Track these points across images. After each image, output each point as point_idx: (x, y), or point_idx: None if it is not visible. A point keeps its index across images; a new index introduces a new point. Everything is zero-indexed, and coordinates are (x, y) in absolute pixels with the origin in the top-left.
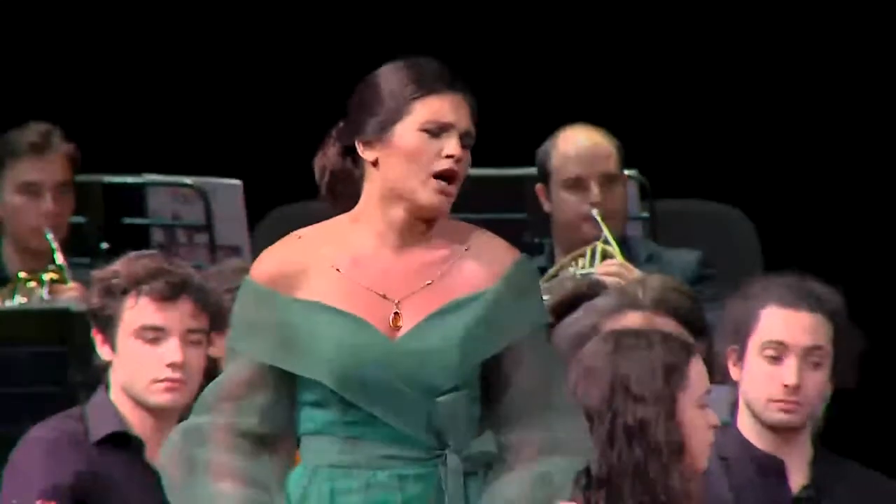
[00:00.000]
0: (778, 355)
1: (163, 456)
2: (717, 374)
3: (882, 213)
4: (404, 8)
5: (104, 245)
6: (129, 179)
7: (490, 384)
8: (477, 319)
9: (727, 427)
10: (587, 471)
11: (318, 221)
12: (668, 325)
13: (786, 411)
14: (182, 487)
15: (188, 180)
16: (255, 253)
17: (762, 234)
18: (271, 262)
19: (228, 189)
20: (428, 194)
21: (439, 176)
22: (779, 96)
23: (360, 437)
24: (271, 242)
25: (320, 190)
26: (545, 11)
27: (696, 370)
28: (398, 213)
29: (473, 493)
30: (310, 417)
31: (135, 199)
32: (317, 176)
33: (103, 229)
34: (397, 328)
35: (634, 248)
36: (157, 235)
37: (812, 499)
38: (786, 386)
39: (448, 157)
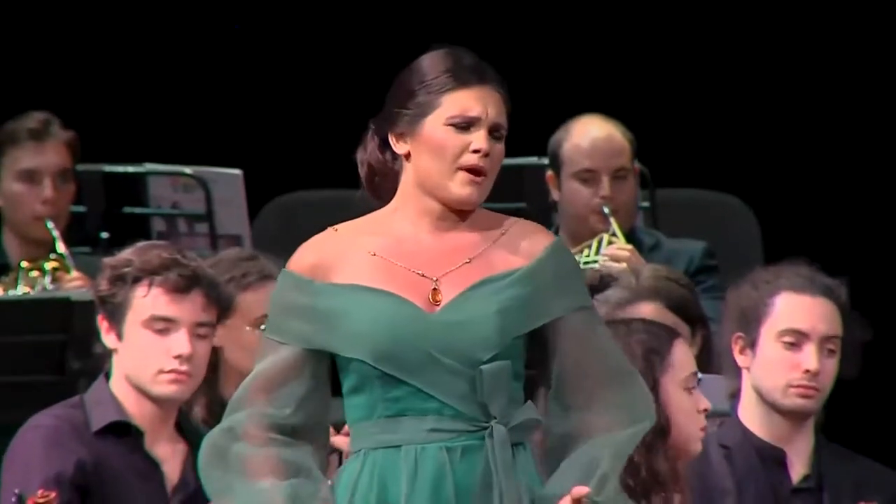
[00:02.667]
0: (796, 342)
1: (200, 460)
2: (716, 364)
3: (883, 203)
4: (403, 2)
5: (104, 234)
6: (130, 169)
7: (545, 366)
8: (514, 293)
9: (727, 416)
10: None
11: (318, 211)
12: (665, 315)
13: (805, 396)
14: (222, 490)
15: (188, 170)
16: (256, 242)
17: (763, 223)
18: (309, 252)
19: (229, 178)
20: (456, 186)
21: (467, 170)
22: (779, 87)
23: (404, 413)
24: (271, 232)
25: (362, 184)
26: (547, 2)
27: (680, 353)
28: (431, 203)
29: (521, 463)
30: (353, 405)
31: (135, 188)
32: (359, 170)
33: (103, 218)
34: (436, 303)
35: (640, 238)
36: (158, 225)
37: (812, 488)
38: (807, 371)
39: (475, 151)
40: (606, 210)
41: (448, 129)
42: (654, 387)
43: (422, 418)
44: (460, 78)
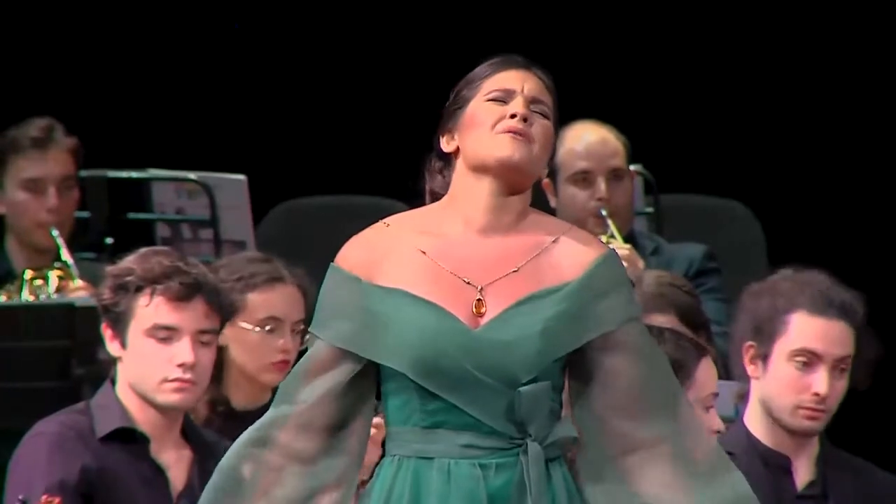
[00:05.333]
0: (809, 362)
1: (225, 458)
2: (719, 368)
3: (887, 208)
4: (407, 7)
5: (109, 240)
6: (134, 174)
7: (588, 378)
8: (558, 312)
9: (733, 422)
10: None
11: (322, 216)
12: (669, 322)
13: (812, 419)
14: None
15: (192, 175)
16: (260, 247)
17: (767, 228)
18: (357, 248)
19: (233, 184)
20: (498, 149)
21: (506, 133)
22: (782, 92)
23: (441, 426)
24: (276, 237)
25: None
26: (549, 8)
27: (705, 371)
28: (483, 187)
29: (556, 480)
30: (391, 408)
31: (139, 194)
32: (427, 201)
33: (108, 224)
34: (480, 315)
35: (640, 242)
36: (162, 230)
37: (817, 496)
38: (816, 394)
39: (512, 116)
40: (604, 212)
41: (488, 104)
42: None
43: (458, 433)
44: (500, 64)
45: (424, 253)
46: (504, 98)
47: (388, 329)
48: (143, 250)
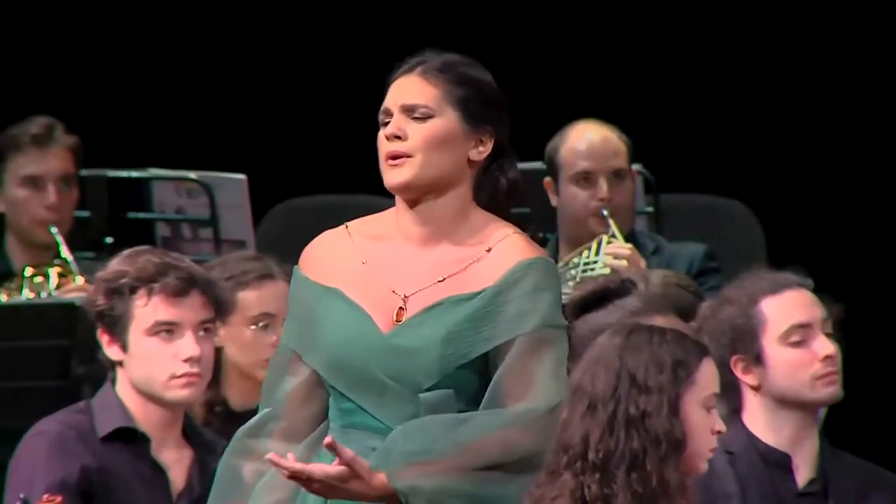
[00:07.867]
0: (803, 338)
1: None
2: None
3: (886, 206)
4: (409, 5)
5: (108, 239)
6: (134, 174)
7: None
8: (465, 318)
9: (734, 421)
10: (584, 454)
11: (322, 215)
12: (675, 324)
13: (832, 383)
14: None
15: (193, 175)
16: (260, 247)
17: (766, 227)
18: (312, 248)
19: (233, 183)
20: (385, 175)
21: (386, 159)
22: (781, 92)
23: (353, 426)
24: (276, 236)
25: None
26: (550, 7)
27: (706, 372)
28: (405, 204)
29: None
30: (330, 404)
31: (139, 193)
32: None
33: (108, 224)
34: (398, 323)
35: (641, 242)
36: (162, 230)
37: (818, 493)
38: (826, 357)
39: (387, 138)
40: (605, 212)
41: (381, 131)
42: (676, 401)
43: (369, 435)
44: (390, 80)
45: (365, 263)
46: (386, 122)
47: (318, 328)
48: (126, 252)
